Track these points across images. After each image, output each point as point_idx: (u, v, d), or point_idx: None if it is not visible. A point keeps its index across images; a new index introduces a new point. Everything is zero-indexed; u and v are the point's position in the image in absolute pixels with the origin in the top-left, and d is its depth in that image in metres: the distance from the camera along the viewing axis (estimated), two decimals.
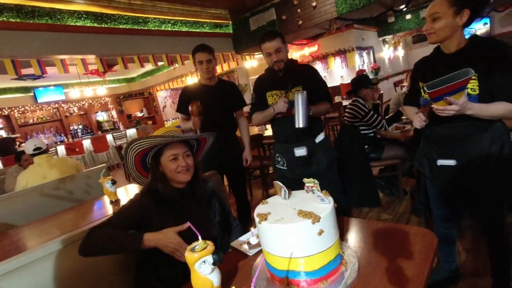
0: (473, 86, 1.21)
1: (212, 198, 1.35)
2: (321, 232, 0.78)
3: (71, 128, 9.79)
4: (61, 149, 7.48)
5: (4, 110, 8.55)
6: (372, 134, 2.81)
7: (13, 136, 8.18)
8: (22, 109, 8.91)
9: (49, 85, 9.09)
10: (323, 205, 0.84)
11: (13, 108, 8.72)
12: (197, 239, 0.83)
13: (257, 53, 7.20)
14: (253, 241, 1.13)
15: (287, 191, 0.94)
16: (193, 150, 1.33)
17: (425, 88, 1.16)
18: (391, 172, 2.99)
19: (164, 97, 12.41)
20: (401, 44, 11.38)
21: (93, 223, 1.45)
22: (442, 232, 1.58)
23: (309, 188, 0.95)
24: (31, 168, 2.77)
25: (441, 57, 1.32)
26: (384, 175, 3.06)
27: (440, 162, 1.38)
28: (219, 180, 1.80)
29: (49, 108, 9.46)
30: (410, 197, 2.86)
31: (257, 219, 0.84)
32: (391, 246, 0.93)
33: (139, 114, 11.50)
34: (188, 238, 1.00)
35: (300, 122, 1.64)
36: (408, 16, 9.05)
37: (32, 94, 8.93)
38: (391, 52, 10.64)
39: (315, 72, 1.92)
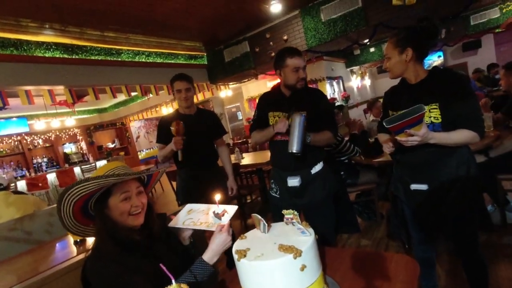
0: (435, 115, 1.29)
1: (169, 233, 1.16)
2: (303, 267, 0.74)
3: (34, 161, 9.17)
4: (22, 184, 6.92)
5: None
6: (346, 161, 2.88)
7: None
8: None
9: (11, 117, 8.59)
10: (304, 238, 0.81)
11: None
12: (170, 283, 0.75)
13: (231, 83, 7.35)
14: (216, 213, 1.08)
15: (266, 225, 0.90)
16: (144, 184, 1.14)
17: (384, 123, 1.22)
18: (367, 197, 3.03)
19: (138, 127, 12.13)
20: (367, 74, 12.19)
21: (55, 267, 1.30)
22: (422, 256, 1.58)
23: (288, 220, 0.92)
24: None
25: (405, 88, 1.42)
26: (361, 200, 3.10)
27: (414, 186, 1.41)
28: None
29: (10, 141, 8.87)
30: (386, 221, 2.89)
31: (235, 256, 0.79)
32: (375, 275, 0.90)
33: (111, 145, 11.08)
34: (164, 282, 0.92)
35: (294, 146, 1.51)
36: (372, 49, 9.81)
37: None
38: (359, 82, 11.33)
39: (323, 98, 1.80)
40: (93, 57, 4.42)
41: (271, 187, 1.90)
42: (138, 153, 11.64)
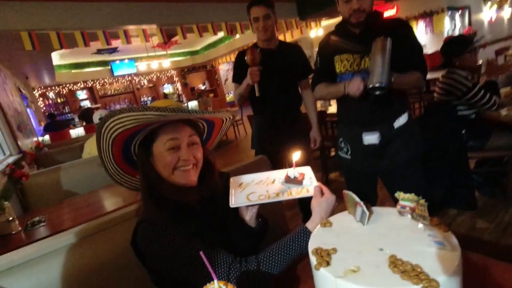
0: None
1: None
2: None
3: (142, 99, 10.52)
4: None
5: (88, 82, 9.56)
6: (474, 116, 2.14)
7: (93, 106, 9.13)
8: (102, 81, 9.85)
9: (123, 59, 9.77)
10: (440, 253, 0.46)
11: (95, 81, 9.70)
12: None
13: (324, 19, 6.45)
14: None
15: (367, 213, 0.57)
16: (202, 136, 0.92)
17: None
18: (495, 167, 2.29)
19: (226, 70, 12.41)
20: (508, 1, 9.07)
21: None
22: None
23: (405, 209, 0.56)
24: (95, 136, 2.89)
25: None
26: (483, 170, 2.37)
27: None
28: (268, 168, 1.47)
29: (123, 80, 10.28)
30: None
31: (312, 259, 0.50)
32: None
33: (202, 87, 11.77)
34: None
35: (375, 77, 1.14)
36: None
37: (109, 67, 9.75)
38: (493, 13, 8.57)
39: (409, 30, 1.38)
40: None
41: (340, 147, 1.55)
42: (226, 95, 12.10)
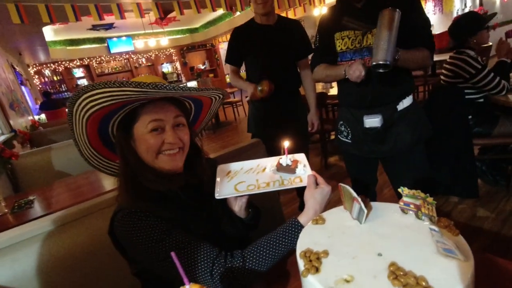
0: None
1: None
2: None
3: None
4: None
5: (84, 60, 9.32)
6: (482, 100, 2.04)
7: None
8: (99, 59, 9.59)
9: (121, 36, 9.46)
10: (448, 261, 0.39)
11: (92, 58, 9.45)
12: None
13: None
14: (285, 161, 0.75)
15: (364, 210, 0.50)
16: (189, 117, 0.83)
17: None
18: (501, 155, 2.21)
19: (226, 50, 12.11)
20: None
21: None
22: None
23: (408, 206, 0.49)
24: None
25: None
26: (488, 158, 2.30)
27: None
28: (263, 152, 1.40)
29: (121, 59, 10.03)
30: None
31: (300, 263, 0.44)
32: None
33: (201, 67, 11.50)
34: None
35: (379, 54, 1.03)
36: None
37: (106, 45, 9.46)
38: None
39: (416, 1, 1.26)
40: None
41: (340, 130, 1.48)
42: (226, 76, 11.85)
